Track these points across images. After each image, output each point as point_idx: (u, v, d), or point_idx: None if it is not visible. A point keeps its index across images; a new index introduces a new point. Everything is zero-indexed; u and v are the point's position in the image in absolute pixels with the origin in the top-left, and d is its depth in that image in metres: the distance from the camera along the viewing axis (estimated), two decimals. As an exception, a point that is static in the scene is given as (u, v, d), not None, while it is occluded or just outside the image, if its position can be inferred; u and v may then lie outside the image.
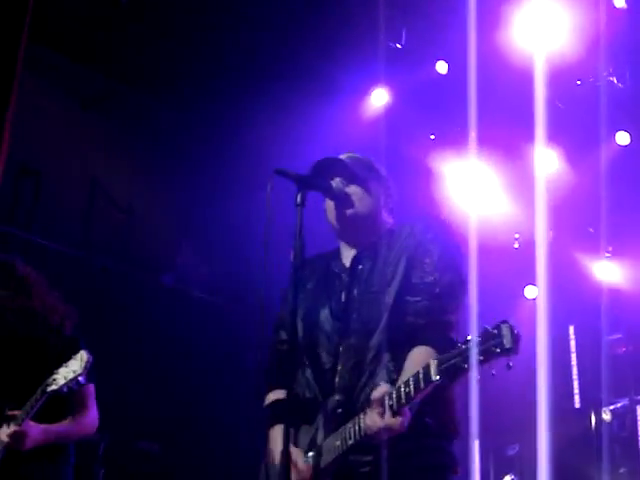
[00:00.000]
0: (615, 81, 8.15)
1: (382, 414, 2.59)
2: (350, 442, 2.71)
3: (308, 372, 3.03)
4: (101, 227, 8.99)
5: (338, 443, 2.76)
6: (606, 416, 8.84)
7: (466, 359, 2.38)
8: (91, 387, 4.34)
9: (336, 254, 3.28)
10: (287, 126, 8.43)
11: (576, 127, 8.28)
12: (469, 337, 2.41)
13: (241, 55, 8.16)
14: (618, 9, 7.56)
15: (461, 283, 3.00)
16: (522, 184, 8.78)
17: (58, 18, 7.65)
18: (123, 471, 7.65)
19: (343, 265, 3.19)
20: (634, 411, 8.70)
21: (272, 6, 7.71)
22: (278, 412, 3.07)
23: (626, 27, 7.65)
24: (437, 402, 2.85)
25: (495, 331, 2.36)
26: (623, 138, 8.25)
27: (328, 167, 3.18)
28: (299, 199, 2.91)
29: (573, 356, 9.20)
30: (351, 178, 3.18)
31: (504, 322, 2.37)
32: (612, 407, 8.83)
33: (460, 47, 7.39)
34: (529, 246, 9.35)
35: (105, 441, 7.27)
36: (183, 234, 9.66)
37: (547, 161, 8.50)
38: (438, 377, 2.46)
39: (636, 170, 8.30)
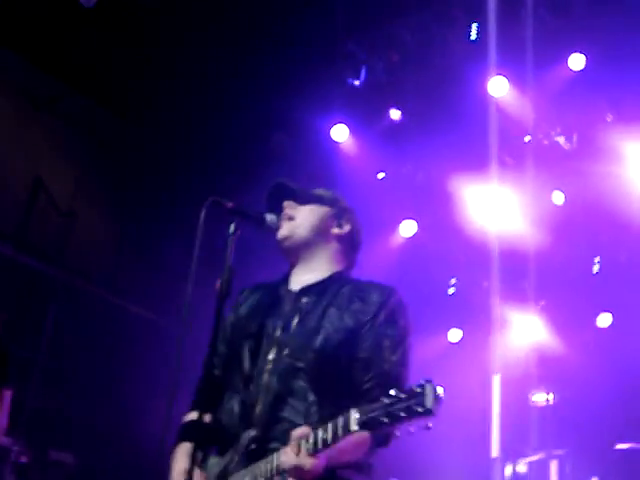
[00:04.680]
0: (562, 142, 8.37)
1: (298, 453, 2.56)
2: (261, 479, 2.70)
3: (234, 401, 2.99)
4: (39, 228, 8.86)
5: (247, 479, 2.74)
6: (521, 468, 8.95)
7: (388, 414, 2.34)
8: (7, 393, 4.20)
9: (286, 277, 3.23)
10: (243, 155, 8.50)
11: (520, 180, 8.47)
12: (393, 392, 2.36)
13: (197, 78, 8.18)
14: (574, 71, 7.80)
15: (407, 379, 2.96)
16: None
17: (16, 18, 7.58)
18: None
19: (290, 291, 3.15)
20: (549, 465, 8.82)
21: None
22: (189, 431, 3.05)
23: (580, 90, 7.86)
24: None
25: (419, 390, 2.32)
26: (558, 197, 8.48)
27: (280, 191, 3.22)
28: (232, 229, 2.93)
29: (495, 405, 9.29)
30: (300, 199, 3.20)
31: (429, 382, 2.32)
32: (529, 459, 8.94)
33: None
34: (464, 293, 9.52)
35: (18, 447, 7.13)
36: (121, 246, 9.57)
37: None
38: (357, 427, 2.41)
39: (572, 225, 8.49)
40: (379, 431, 2.42)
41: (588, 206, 8.26)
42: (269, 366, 2.95)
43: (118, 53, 8.16)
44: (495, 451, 9.17)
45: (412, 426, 2.34)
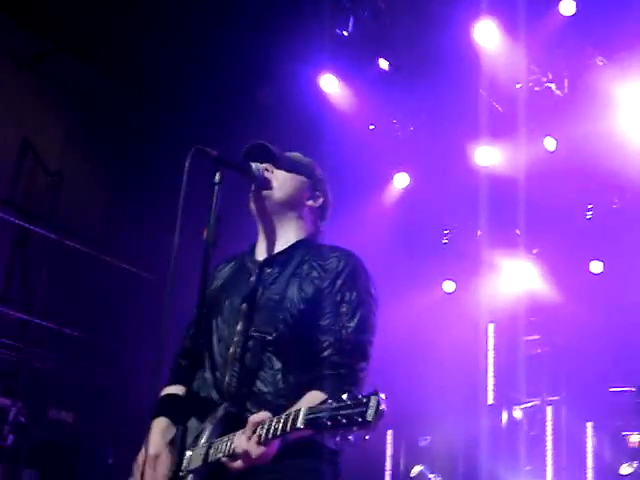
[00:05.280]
0: (554, 88, 8.31)
1: (249, 439, 2.56)
2: (219, 456, 2.68)
3: (207, 372, 3.00)
4: (28, 189, 8.81)
5: (212, 451, 2.74)
6: (517, 414, 9.06)
7: (332, 417, 2.32)
8: None
9: (253, 248, 3.22)
10: (229, 108, 8.40)
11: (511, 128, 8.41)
12: (344, 396, 2.34)
13: (181, 31, 8.06)
14: (564, 16, 7.69)
15: (371, 344, 2.95)
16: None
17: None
18: (33, 438, 7.56)
19: (256, 261, 3.13)
20: (544, 411, 8.93)
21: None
22: (166, 406, 3.04)
23: (570, 35, 7.77)
24: None
25: (365, 400, 2.29)
26: (550, 144, 8.41)
27: (257, 152, 3.18)
28: (217, 177, 2.87)
29: (490, 354, 9.37)
30: (278, 164, 3.18)
31: (375, 393, 2.29)
32: (524, 406, 9.05)
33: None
34: (456, 242, 9.52)
35: (16, 407, 7.18)
36: (111, 204, 9.52)
37: (484, 158, 8.66)
38: (302, 426, 2.40)
39: (565, 171, 8.46)
40: (322, 433, 2.38)
41: (580, 152, 8.23)
42: (236, 338, 2.96)
43: (100, 8, 8.03)
44: (491, 398, 9.28)
45: (351, 435, 2.30)
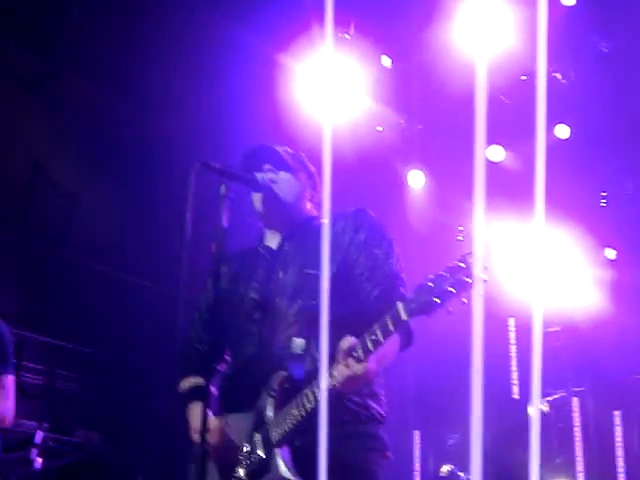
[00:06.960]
0: (559, 77, 8.27)
1: (348, 365, 2.59)
2: (309, 406, 2.71)
3: (233, 361, 3.08)
4: (40, 212, 8.84)
5: (295, 412, 2.76)
6: (544, 407, 9.00)
7: (438, 294, 2.40)
8: (10, 378, 4.15)
9: (261, 240, 3.32)
10: (225, 117, 8.43)
11: (518, 120, 8.36)
12: (431, 276, 2.43)
13: (182, 44, 8.09)
14: (565, 6, 7.66)
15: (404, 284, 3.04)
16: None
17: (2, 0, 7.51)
18: (61, 460, 7.57)
19: (268, 247, 3.25)
20: (570, 403, 8.87)
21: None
22: (199, 393, 3.03)
23: (573, 24, 7.75)
24: (374, 391, 2.99)
25: (462, 264, 2.38)
26: (562, 131, 8.37)
27: (259, 154, 3.26)
28: (223, 190, 2.94)
29: (513, 348, 9.33)
30: (280, 165, 3.24)
31: (468, 254, 2.37)
32: (550, 398, 8.99)
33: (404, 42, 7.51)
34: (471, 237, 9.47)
35: (43, 430, 7.20)
36: (125, 220, 9.54)
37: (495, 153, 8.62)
38: (407, 316, 2.47)
39: (573, 164, 8.40)
40: (431, 313, 2.44)
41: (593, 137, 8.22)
42: (267, 315, 3.04)
43: (101, 27, 8.07)
44: (516, 393, 9.23)
45: (461, 299, 2.39)
